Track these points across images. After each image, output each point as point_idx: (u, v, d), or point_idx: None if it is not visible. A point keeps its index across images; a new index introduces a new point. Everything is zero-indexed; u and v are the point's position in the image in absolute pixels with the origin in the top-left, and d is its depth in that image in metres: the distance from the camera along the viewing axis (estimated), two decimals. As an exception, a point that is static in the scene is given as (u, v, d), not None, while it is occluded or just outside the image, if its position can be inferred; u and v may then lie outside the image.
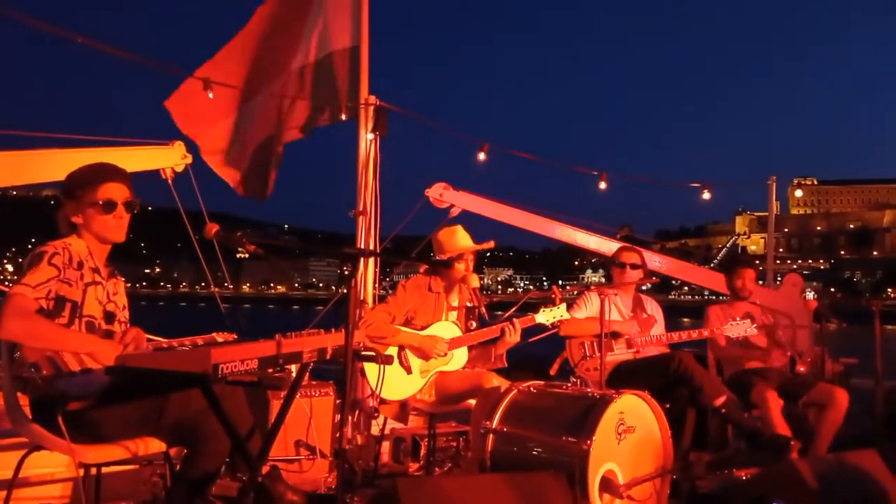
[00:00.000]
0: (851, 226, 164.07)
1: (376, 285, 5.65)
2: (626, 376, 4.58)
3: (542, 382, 3.95)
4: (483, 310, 4.31)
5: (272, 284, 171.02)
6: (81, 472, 2.80)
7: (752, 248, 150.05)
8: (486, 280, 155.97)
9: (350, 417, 4.75)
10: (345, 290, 2.61)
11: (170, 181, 5.97)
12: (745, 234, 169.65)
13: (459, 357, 4.35)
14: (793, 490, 3.37)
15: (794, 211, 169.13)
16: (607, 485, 3.37)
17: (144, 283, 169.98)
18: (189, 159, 5.96)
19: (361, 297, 5.47)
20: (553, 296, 4.49)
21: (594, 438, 3.32)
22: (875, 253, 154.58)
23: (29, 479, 3.34)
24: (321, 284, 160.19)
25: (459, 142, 7.49)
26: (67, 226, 2.86)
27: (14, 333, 2.57)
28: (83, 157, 4.05)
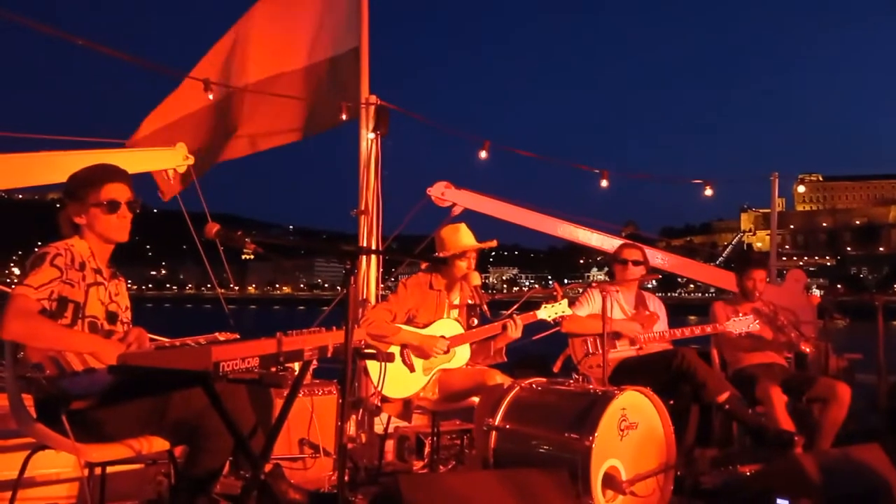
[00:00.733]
0: (857, 222, 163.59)
1: (379, 284, 5.66)
2: (629, 373, 4.58)
3: (544, 379, 3.96)
4: (485, 307, 4.32)
5: (277, 285, 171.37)
6: (86, 471, 2.82)
7: (757, 244, 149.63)
8: (490, 279, 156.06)
9: (354, 416, 4.77)
10: (345, 290, 2.62)
11: (171, 181, 5.99)
12: (750, 230, 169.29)
13: (462, 354, 4.36)
14: (797, 485, 3.37)
15: (800, 207, 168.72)
16: (610, 481, 3.37)
17: (150, 286, 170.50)
18: (191, 160, 5.98)
19: (364, 296, 5.48)
20: (555, 293, 4.50)
21: (596, 435, 3.33)
22: (881, 249, 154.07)
23: (34, 478, 3.35)
24: (326, 285, 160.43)
25: (461, 140, 7.49)
26: (70, 227, 2.88)
27: (17, 334, 2.59)
28: (86, 158, 4.05)
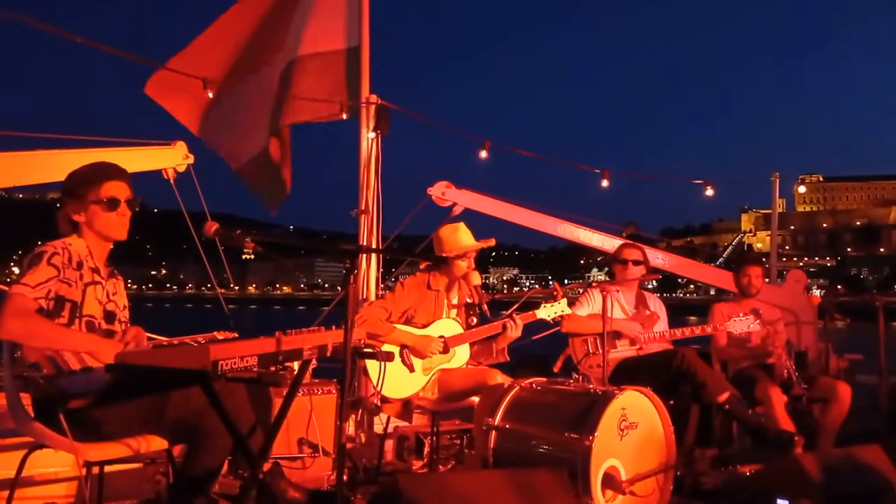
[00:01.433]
0: (858, 222, 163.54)
1: (379, 284, 5.65)
2: (629, 373, 4.58)
3: (544, 379, 3.95)
4: (485, 307, 4.31)
5: (277, 285, 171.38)
6: (84, 470, 2.81)
7: (757, 245, 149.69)
8: (490, 279, 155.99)
9: (353, 415, 4.76)
10: (344, 289, 2.61)
11: (172, 181, 5.98)
12: (750, 231, 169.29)
13: (462, 354, 4.35)
14: (797, 485, 3.37)
15: (800, 208, 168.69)
16: (610, 481, 3.37)
17: (150, 285, 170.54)
18: (191, 159, 5.97)
19: (364, 296, 5.47)
20: (555, 292, 4.49)
21: (596, 434, 3.32)
22: (882, 250, 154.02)
23: (32, 477, 3.35)
24: (326, 285, 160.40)
25: (461, 140, 7.48)
26: (68, 225, 2.87)
27: (14, 333, 2.58)
28: (85, 157, 4.04)
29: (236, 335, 2.89)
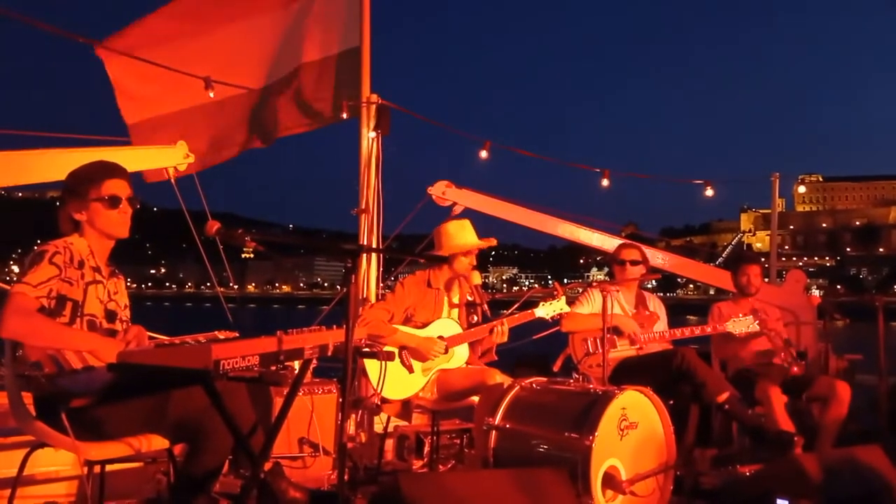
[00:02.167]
0: (857, 222, 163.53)
1: (379, 283, 5.66)
2: (629, 373, 4.58)
3: (544, 379, 3.96)
4: (485, 307, 4.31)
5: (277, 284, 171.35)
6: (86, 469, 2.81)
7: (757, 245, 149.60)
8: (490, 278, 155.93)
9: (354, 415, 4.76)
10: (345, 288, 2.61)
11: (172, 181, 5.98)
12: (750, 231, 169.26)
13: (461, 354, 4.35)
14: (797, 486, 3.37)
15: (800, 208, 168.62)
16: (610, 481, 3.37)
17: (150, 284, 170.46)
18: (191, 159, 5.97)
19: (364, 295, 5.47)
20: (555, 291, 4.50)
21: (596, 434, 3.32)
22: (881, 250, 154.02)
23: (34, 476, 3.35)
24: (326, 284, 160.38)
25: (461, 140, 7.49)
26: (69, 224, 2.87)
27: (15, 332, 2.59)
28: (86, 156, 4.03)
29: (237, 334, 2.89)
